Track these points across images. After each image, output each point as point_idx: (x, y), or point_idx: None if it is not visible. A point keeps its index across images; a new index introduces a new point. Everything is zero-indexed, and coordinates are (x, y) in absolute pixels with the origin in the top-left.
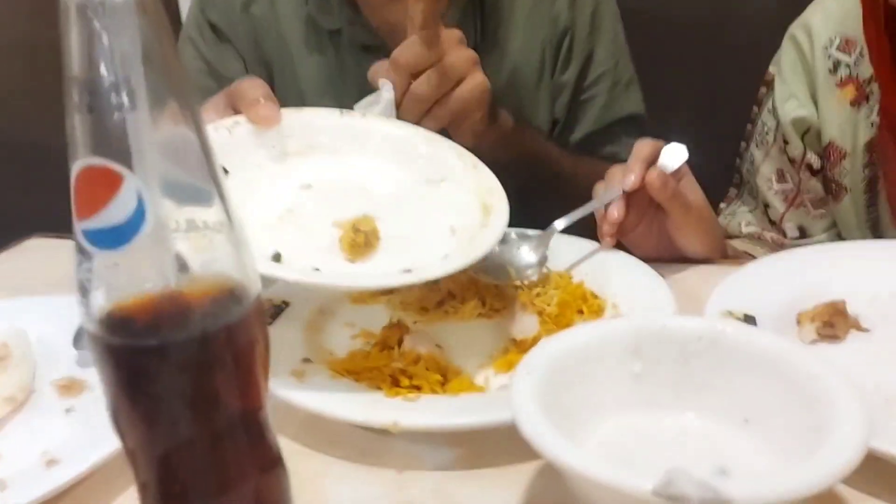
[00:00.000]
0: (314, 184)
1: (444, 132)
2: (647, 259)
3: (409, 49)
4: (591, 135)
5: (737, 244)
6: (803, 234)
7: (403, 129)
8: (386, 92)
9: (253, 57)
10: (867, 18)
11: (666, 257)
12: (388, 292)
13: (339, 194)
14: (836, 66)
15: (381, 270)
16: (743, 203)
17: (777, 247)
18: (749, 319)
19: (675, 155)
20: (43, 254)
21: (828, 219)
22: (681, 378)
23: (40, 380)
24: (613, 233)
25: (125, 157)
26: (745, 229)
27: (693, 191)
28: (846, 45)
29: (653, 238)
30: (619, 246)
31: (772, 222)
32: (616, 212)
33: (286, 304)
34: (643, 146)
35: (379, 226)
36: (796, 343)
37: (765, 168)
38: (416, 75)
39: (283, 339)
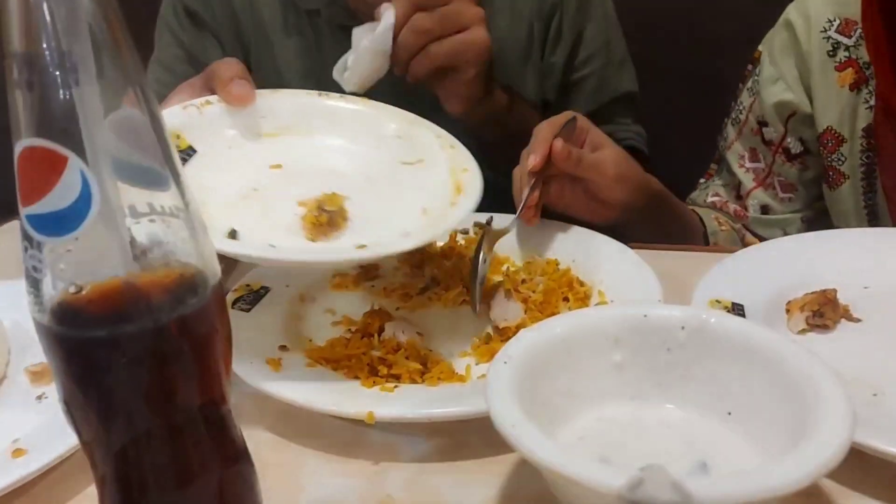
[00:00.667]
0: (284, 164)
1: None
2: (602, 227)
3: None
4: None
5: (699, 212)
6: (766, 213)
7: (379, 110)
8: (386, 18)
9: (231, 42)
10: (864, 3)
11: (605, 213)
12: (371, 277)
13: (308, 174)
14: (836, 48)
15: (335, 247)
16: (720, 178)
17: (736, 220)
18: (737, 308)
19: (567, 124)
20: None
21: (796, 203)
22: (663, 368)
23: (14, 366)
24: (533, 215)
25: (69, 138)
26: (709, 199)
27: (602, 143)
28: (846, 27)
29: (583, 200)
30: (561, 217)
31: (739, 197)
32: (529, 195)
33: (266, 289)
34: (541, 128)
35: (347, 206)
36: (783, 333)
37: (737, 145)
38: (420, 10)
39: (261, 326)
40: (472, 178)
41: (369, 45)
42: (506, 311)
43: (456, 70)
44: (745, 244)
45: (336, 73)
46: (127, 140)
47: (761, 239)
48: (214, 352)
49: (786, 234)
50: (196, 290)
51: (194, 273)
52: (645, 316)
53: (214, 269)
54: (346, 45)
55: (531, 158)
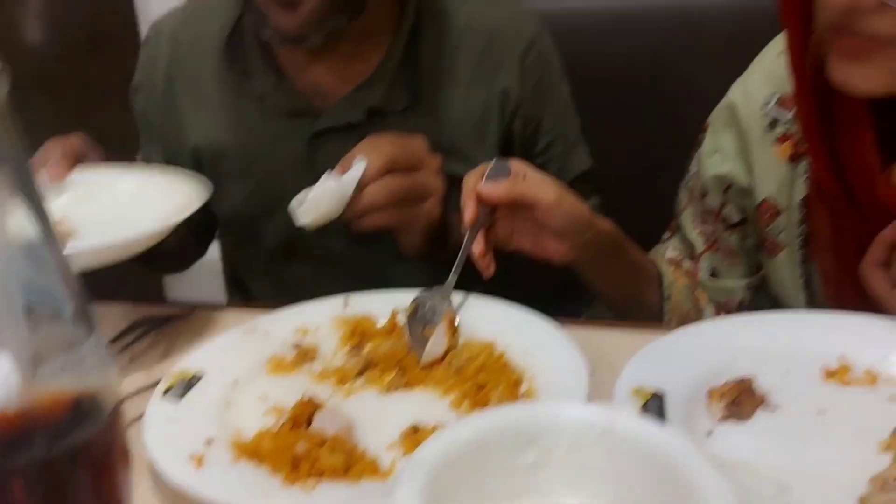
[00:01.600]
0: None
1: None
2: (562, 277)
3: (393, 144)
4: None
5: (658, 264)
6: (714, 275)
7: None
8: (356, 169)
9: (176, 144)
10: (797, 89)
11: (556, 247)
12: (310, 359)
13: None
14: (775, 122)
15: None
16: (677, 236)
17: (689, 277)
18: (656, 398)
19: (497, 169)
20: None
21: (739, 269)
22: (574, 467)
23: None
24: (487, 263)
25: None
26: (667, 254)
27: (543, 177)
28: (785, 103)
29: (531, 233)
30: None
31: (692, 258)
32: (477, 248)
33: (198, 378)
34: (467, 179)
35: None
36: (705, 421)
37: (689, 209)
38: (390, 171)
39: (189, 418)
40: None
41: (334, 188)
42: (433, 345)
43: (403, 232)
44: (693, 299)
45: (294, 203)
46: (22, 260)
47: (711, 298)
48: (112, 476)
49: (730, 300)
50: (94, 415)
51: (92, 396)
52: (557, 416)
53: (114, 391)
54: (294, 131)
55: (464, 214)
